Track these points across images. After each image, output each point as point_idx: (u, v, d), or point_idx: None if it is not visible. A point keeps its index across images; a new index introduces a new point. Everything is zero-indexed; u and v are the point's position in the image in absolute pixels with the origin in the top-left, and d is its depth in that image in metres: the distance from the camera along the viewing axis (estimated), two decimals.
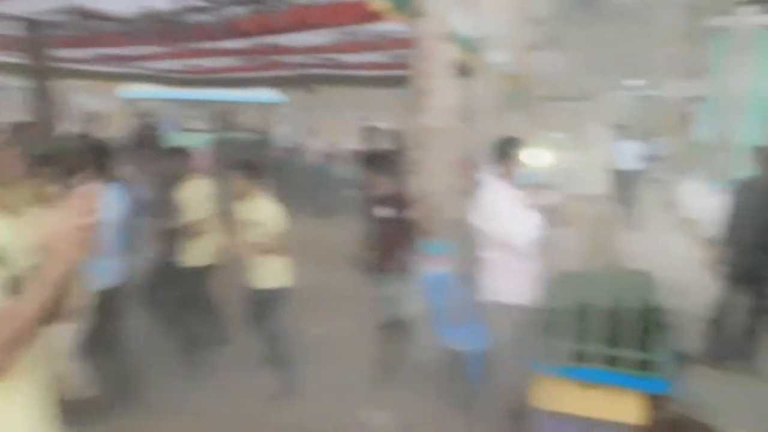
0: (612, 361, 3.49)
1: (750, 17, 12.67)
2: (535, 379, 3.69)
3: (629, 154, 10.39)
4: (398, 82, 6.80)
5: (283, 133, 15.00)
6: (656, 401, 3.68)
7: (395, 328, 4.80)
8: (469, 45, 6.66)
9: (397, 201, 4.73)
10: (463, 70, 6.80)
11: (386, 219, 4.69)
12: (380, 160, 4.96)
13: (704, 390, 4.63)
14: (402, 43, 6.30)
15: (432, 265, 4.86)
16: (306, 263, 4.93)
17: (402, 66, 6.55)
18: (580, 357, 3.54)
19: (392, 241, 4.66)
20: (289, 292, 4.57)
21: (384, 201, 4.72)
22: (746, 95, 12.67)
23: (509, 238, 3.82)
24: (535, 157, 6.32)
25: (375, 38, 7.05)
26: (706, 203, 8.20)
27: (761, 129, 10.18)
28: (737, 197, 5.19)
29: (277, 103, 15.69)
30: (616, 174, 10.32)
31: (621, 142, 10.74)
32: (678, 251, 8.08)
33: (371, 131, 10.20)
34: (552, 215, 4.20)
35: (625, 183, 10.22)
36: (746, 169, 5.58)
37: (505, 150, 4.05)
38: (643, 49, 20.58)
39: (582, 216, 8.48)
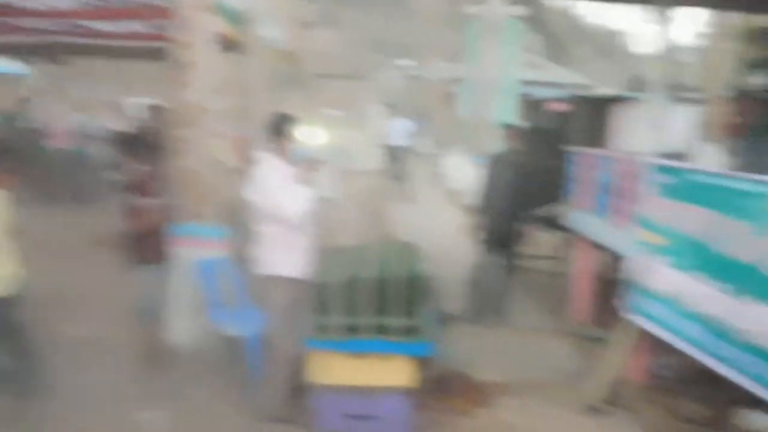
0: (381, 330, 3.64)
1: (499, 6, 14.16)
2: (310, 354, 3.71)
3: (400, 131, 11.01)
4: (159, 54, 6.28)
5: (30, 111, 13.12)
6: (423, 362, 3.93)
7: (157, 320, 4.49)
8: (235, 18, 6.39)
9: (156, 185, 4.39)
10: (230, 44, 6.52)
11: (143, 205, 4.33)
12: (137, 141, 4.54)
13: (466, 345, 5.11)
14: (163, 12, 5.81)
15: (202, 249, 4.62)
16: (57, 257, 4.34)
17: (163, 37, 6.05)
18: (352, 329, 3.63)
19: (151, 227, 4.33)
20: (21, 298, 3.88)
21: (141, 185, 4.35)
22: (498, 77, 14.19)
23: (283, 212, 3.78)
24: (309, 134, 6.32)
25: (132, 5, 6.42)
26: (467, 176, 8.99)
27: (511, 108, 11.46)
28: (489, 170, 5.75)
29: (20, 76, 13.66)
30: (387, 150, 10.88)
31: (392, 119, 11.34)
32: (445, 220, 8.78)
33: (131, 108, 9.37)
34: (325, 190, 4.22)
35: (396, 158, 10.83)
36: (499, 145, 6.19)
37: (279, 127, 3.99)
38: (410, 32, 21.95)
39: (357, 190, 8.80)
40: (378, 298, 3.60)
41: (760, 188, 3.27)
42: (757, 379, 3.15)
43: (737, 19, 10.31)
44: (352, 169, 9.31)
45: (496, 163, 5.73)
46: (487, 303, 5.69)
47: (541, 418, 4.03)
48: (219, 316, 4.35)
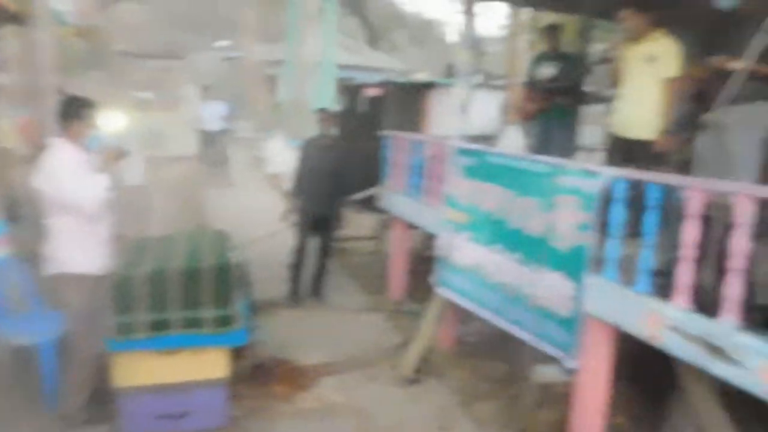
0: (192, 323, 3.47)
1: None
2: (113, 356, 3.44)
3: (216, 115, 10.57)
4: None
5: None
6: (240, 352, 3.84)
7: None
8: None
9: None
10: (12, 16, 5.77)
11: None
12: None
13: (287, 330, 5.09)
14: None
15: None
16: None
17: None
18: (159, 325, 3.42)
19: None
20: None
21: None
22: (316, 61, 14.21)
23: (76, 202, 3.41)
24: (109, 118, 5.81)
25: None
26: (287, 160, 8.90)
27: (329, 92, 11.54)
28: (304, 154, 5.75)
29: None
30: (203, 134, 10.41)
31: (208, 102, 10.85)
32: (264, 205, 8.65)
33: None
34: (131, 177, 3.90)
35: (212, 143, 10.41)
36: (316, 129, 6.19)
37: (69, 110, 3.57)
38: (228, 11, 21.12)
39: (170, 177, 8.32)
40: (186, 290, 3.43)
41: (544, 168, 3.62)
42: (545, 337, 3.52)
43: (530, 14, 11.39)
44: (164, 154, 8.76)
45: (309, 147, 5.75)
46: (306, 286, 5.71)
47: (359, 395, 4.14)
48: (5, 324, 3.85)
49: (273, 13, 18.60)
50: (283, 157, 9.95)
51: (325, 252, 5.73)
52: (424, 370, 4.43)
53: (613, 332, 3.25)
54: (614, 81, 4.38)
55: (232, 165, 11.28)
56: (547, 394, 3.75)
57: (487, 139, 8.73)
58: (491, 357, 4.59)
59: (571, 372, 3.37)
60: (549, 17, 9.40)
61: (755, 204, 2.50)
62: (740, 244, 2.53)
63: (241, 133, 13.91)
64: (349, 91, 8.53)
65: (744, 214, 2.52)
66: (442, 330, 4.70)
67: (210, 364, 3.55)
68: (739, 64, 3.28)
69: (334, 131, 5.83)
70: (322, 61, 14.80)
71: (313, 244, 5.69)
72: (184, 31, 21.43)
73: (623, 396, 3.72)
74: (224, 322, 3.49)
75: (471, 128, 7.95)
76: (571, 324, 3.33)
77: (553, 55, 5.68)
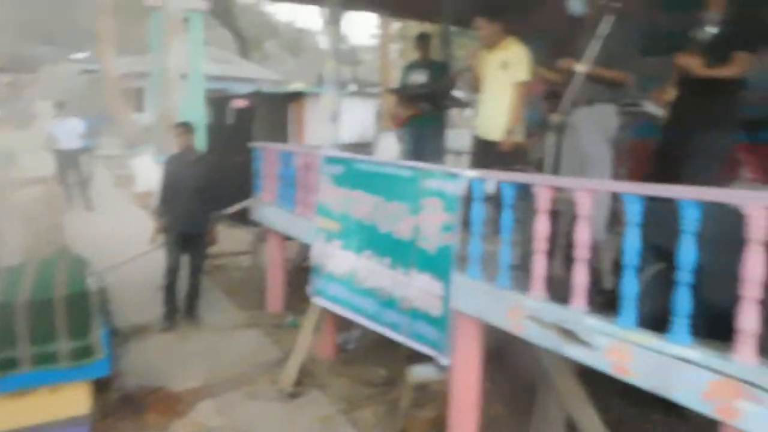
0: (46, 358, 3.20)
1: (178, 0, 13.55)
2: None
3: (73, 133, 9.84)
4: None
5: None
6: (104, 383, 3.60)
7: None
8: None
9: None
10: None
11: None
12: None
13: (160, 355, 4.85)
14: None
15: None
16: None
17: None
18: (5, 364, 3.12)
19: None
20: None
21: None
22: (184, 73, 13.67)
23: None
24: None
25: None
26: (156, 177, 8.49)
27: (197, 105, 11.12)
28: (167, 170, 5.52)
29: None
30: (59, 154, 9.64)
31: (64, 119, 10.08)
32: (132, 225, 8.17)
33: None
34: None
35: (70, 163, 9.67)
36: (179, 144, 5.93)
37: None
38: (85, 20, 19.79)
39: (22, 201, 7.66)
40: (36, 322, 3.16)
41: (409, 173, 3.72)
42: (418, 337, 3.61)
43: (401, 24, 11.73)
44: (16, 176, 8.03)
45: (171, 164, 5.53)
46: (179, 307, 5.46)
47: (239, 415, 4.02)
48: None
49: (135, 23, 17.67)
50: (151, 174, 9.48)
51: (197, 270, 5.52)
52: (305, 381, 4.39)
53: (481, 327, 3.40)
54: (474, 87, 4.60)
55: (95, 185, 10.56)
56: (424, 393, 3.85)
57: (363, 146, 8.86)
58: (372, 362, 4.64)
59: (444, 369, 3.48)
60: (418, 27, 9.72)
61: (592, 198, 2.72)
62: (583, 235, 2.73)
63: (105, 151, 13.06)
64: (217, 103, 8.29)
65: (584, 208, 2.74)
66: (322, 339, 4.68)
67: (70, 401, 3.29)
68: (581, 67, 3.55)
69: (195, 145, 5.62)
70: (190, 73, 14.28)
71: (184, 262, 5.46)
72: (35, 42, 19.83)
73: (500, 387, 3.90)
74: (83, 353, 3.25)
75: (347, 136, 8.03)
76: (441, 322, 3.44)
77: (423, 63, 5.87)
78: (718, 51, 3.39)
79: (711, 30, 3.42)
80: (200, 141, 8.42)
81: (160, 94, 13.65)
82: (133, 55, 16.89)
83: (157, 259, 5.59)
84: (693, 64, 3.42)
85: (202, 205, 5.36)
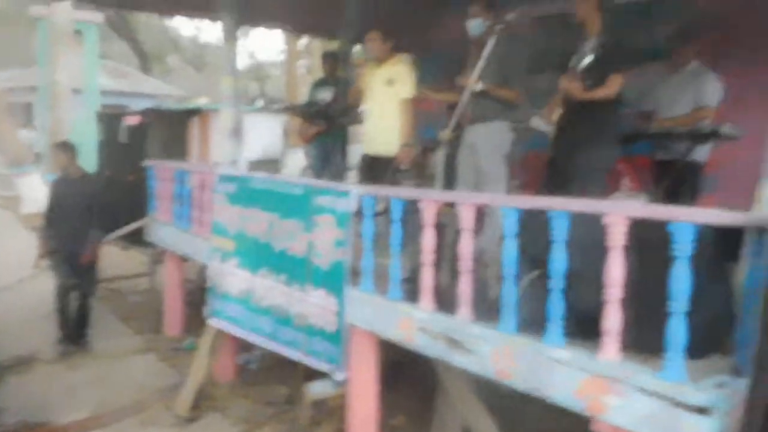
0: None
1: (69, 10, 12.89)
2: None
3: None
4: None
5: None
6: None
7: None
8: None
9: None
10: None
11: None
12: None
13: (46, 387, 4.56)
14: None
15: None
16: None
17: None
18: None
19: None
20: None
21: None
22: (75, 87, 13.02)
23: None
24: None
25: None
26: (43, 197, 8.02)
27: (89, 121, 10.60)
28: (53, 191, 5.25)
29: None
30: None
31: None
32: (19, 249, 7.65)
33: None
34: None
35: None
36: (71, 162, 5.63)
37: None
38: None
39: None
40: None
41: (302, 190, 3.73)
42: (315, 354, 3.60)
43: (308, 41, 11.73)
44: None
45: (58, 184, 5.26)
46: (67, 335, 5.16)
47: None
48: None
49: (21, 35, 16.65)
50: (39, 194, 8.94)
51: (86, 295, 5.23)
52: (204, 405, 4.26)
53: (377, 340, 3.44)
54: (355, 101, 4.68)
55: None
56: (322, 410, 3.84)
57: (270, 162, 8.75)
58: (274, 381, 4.58)
59: (341, 384, 3.49)
60: (326, 44, 9.75)
61: (474, 211, 2.84)
62: (466, 247, 2.84)
63: None
64: (108, 119, 7.93)
65: (467, 220, 2.85)
66: (222, 361, 4.57)
67: None
68: (477, 85, 3.72)
69: (78, 164, 5.34)
70: (84, 88, 13.61)
71: (71, 287, 5.17)
72: None
73: (402, 398, 3.95)
74: None
75: (254, 153, 7.90)
76: (337, 337, 3.45)
77: (329, 80, 5.91)
78: (594, 74, 3.64)
79: (588, 57, 3.67)
80: (91, 159, 8.04)
81: (50, 109, 12.93)
82: (19, 67, 15.91)
83: (43, 285, 5.27)
84: (573, 88, 3.65)
85: (89, 227, 5.09)
